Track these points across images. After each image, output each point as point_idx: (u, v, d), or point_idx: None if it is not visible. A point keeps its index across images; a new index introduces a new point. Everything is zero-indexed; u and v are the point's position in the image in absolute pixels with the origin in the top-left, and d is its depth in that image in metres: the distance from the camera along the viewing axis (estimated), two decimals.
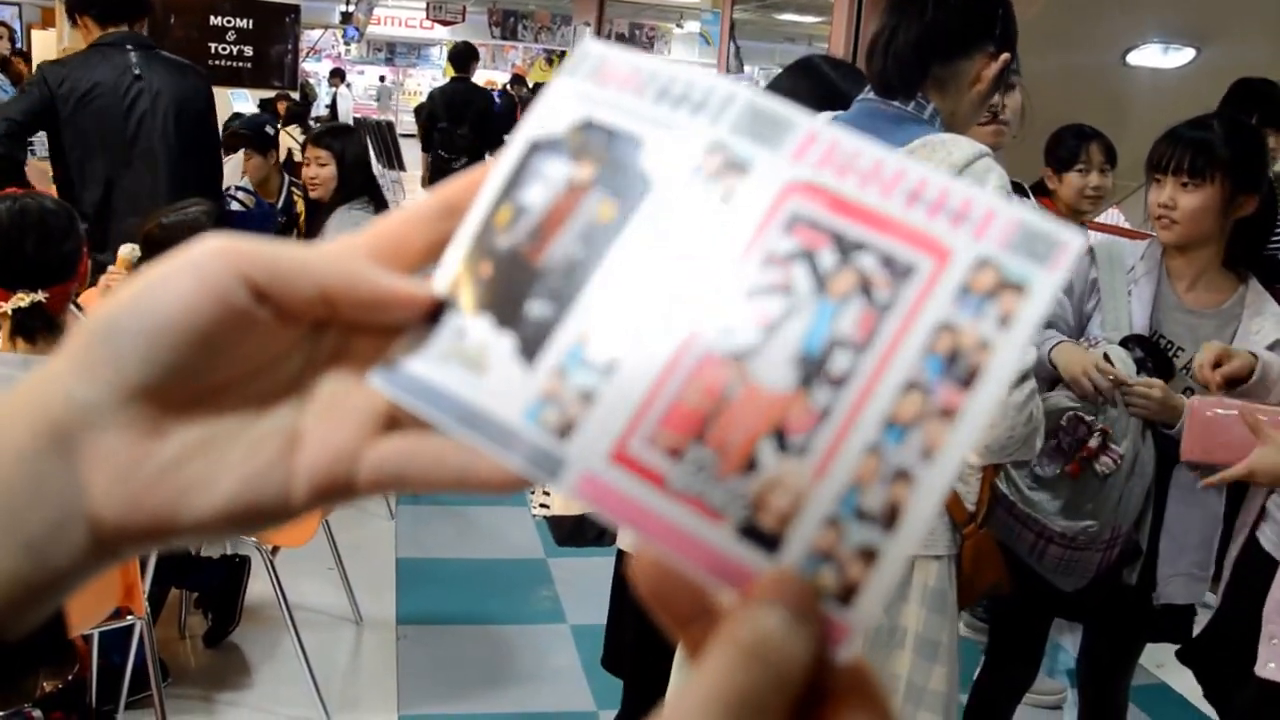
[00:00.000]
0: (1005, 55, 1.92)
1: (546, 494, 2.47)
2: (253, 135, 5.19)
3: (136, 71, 3.95)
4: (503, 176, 0.42)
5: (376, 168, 15.33)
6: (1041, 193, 3.67)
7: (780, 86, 2.53)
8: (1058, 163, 3.60)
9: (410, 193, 15.10)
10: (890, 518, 0.34)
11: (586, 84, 0.43)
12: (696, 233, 0.39)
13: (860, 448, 0.34)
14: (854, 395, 0.35)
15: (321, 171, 4.04)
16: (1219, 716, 2.69)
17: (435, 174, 9.34)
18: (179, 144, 4.05)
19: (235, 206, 5.01)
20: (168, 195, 3.85)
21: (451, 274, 0.41)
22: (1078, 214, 3.62)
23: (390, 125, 15.00)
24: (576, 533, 2.49)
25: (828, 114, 1.97)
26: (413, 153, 15.72)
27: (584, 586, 4.09)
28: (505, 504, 2.87)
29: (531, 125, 0.43)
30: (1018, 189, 2.39)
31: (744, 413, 0.36)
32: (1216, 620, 2.41)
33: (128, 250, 3.31)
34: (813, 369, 0.36)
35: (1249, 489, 2.36)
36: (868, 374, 0.35)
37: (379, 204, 4.09)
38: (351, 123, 16.30)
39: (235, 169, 5.40)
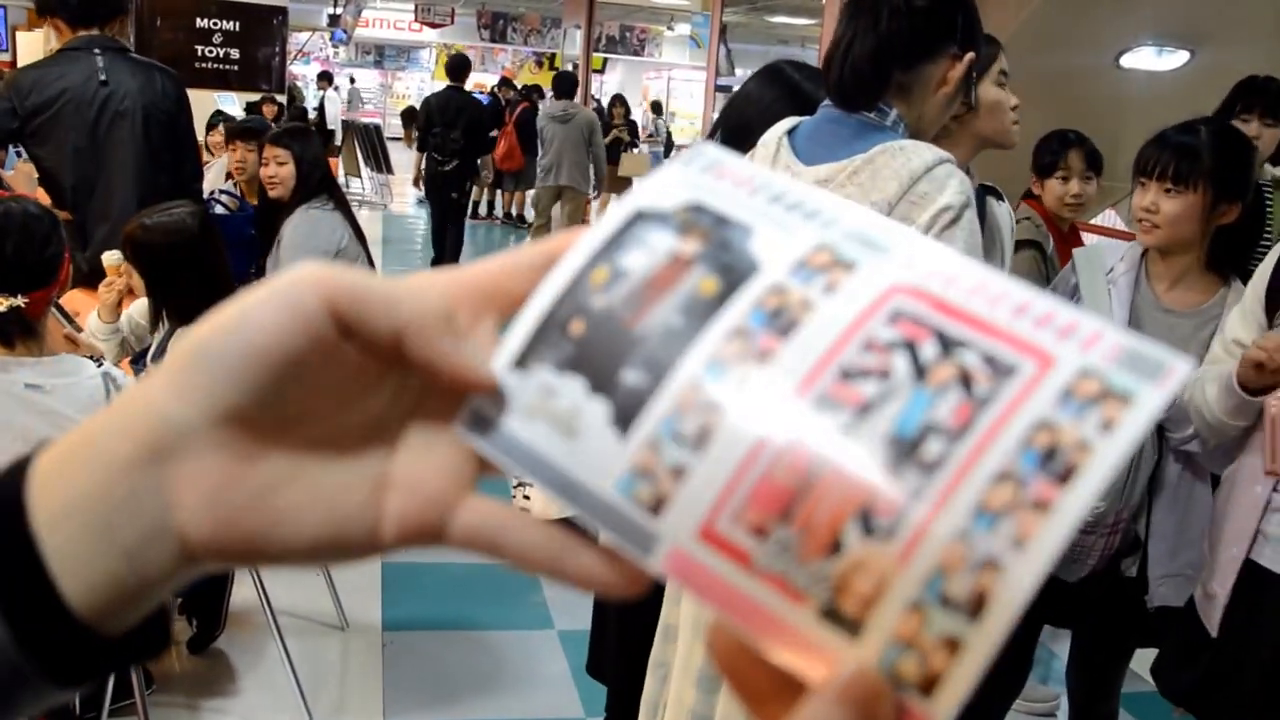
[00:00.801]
0: (970, 55, 1.88)
1: (526, 497, 2.44)
2: (257, 129, 5.17)
3: (103, 77, 3.93)
4: (603, 238, 0.42)
5: (365, 171, 15.40)
6: (1031, 193, 3.66)
7: (748, 93, 2.51)
8: (1040, 169, 3.58)
9: (398, 195, 15.08)
10: (976, 606, 0.32)
11: (701, 175, 0.43)
12: (797, 315, 0.38)
13: (948, 533, 0.33)
14: (945, 481, 0.34)
15: (280, 170, 4.04)
16: None
17: (428, 174, 9.74)
18: (149, 146, 4.03)
19: (219, 210, 4.98)
20: (140, 199, 3.84)
21: (534, 325, 0.41)
22: (1060, 220, 3.61)
23: (378, 128, 14.98)
24: None
25: (791, 120, 1.94)
26: (399, 155, 15.73)
27: (572, 592, 4.04)
28: None
29: (640, 197, 0.43)
30: (990, 191, 2.35)
31: (831, 493, 0.35)
32: (1218, 659, 2.31)
33: (113, 258, 3.27)
34: (904, 452, 0.35)
35: (1225, 507, 2.31)
36: (960, 461, 0.34)
37: (339, 203, 4.06)
38: (340, 126, 16.32)
39: (219, 174, 5.37)
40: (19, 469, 0.40)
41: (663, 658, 1.96)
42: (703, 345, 0.39)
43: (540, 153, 10.25)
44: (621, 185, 12.11)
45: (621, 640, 2.35)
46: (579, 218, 10.25)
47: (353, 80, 24.57)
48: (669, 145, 17.48)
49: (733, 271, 0.40)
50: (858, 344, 0.37)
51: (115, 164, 3.99)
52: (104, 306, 3.30)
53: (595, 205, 11.14)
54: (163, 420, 0.38)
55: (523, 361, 0.40)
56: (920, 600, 0.33)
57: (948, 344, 0.36)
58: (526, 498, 2.47)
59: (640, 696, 2.02)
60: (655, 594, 1.98)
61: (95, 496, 0.38)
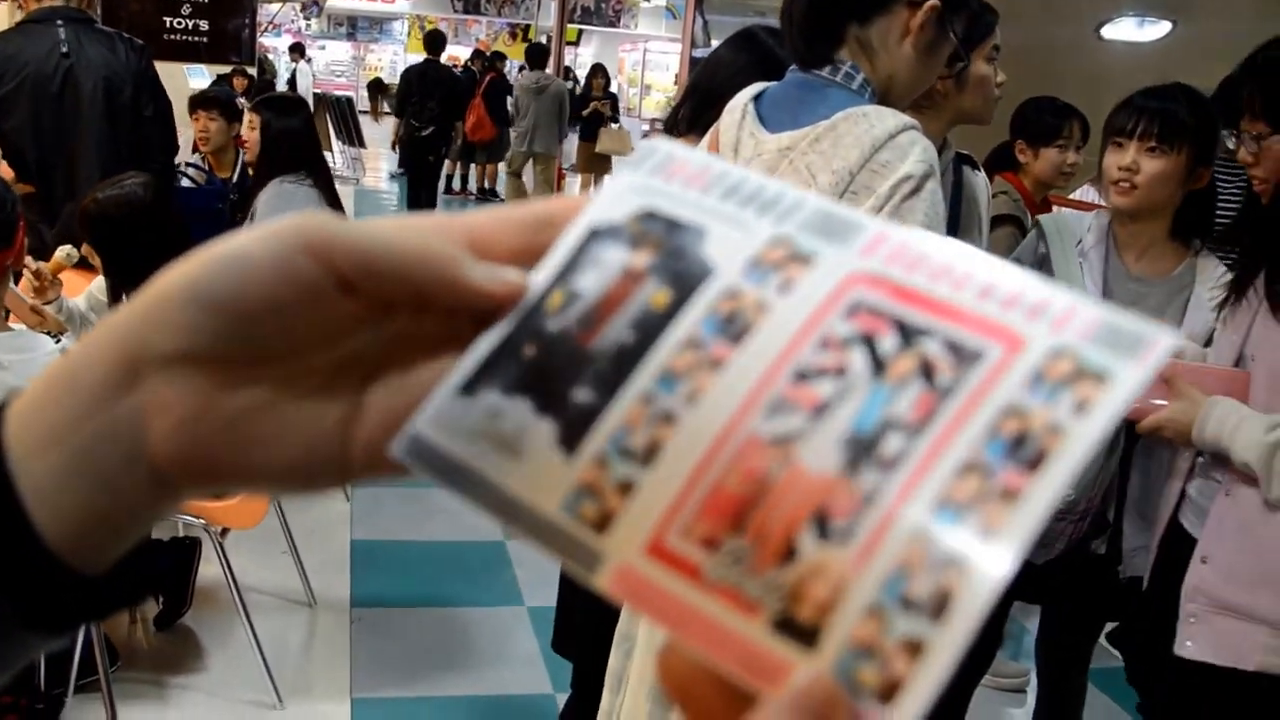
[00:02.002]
0: (931, 3, 1.79)
1: None
2: (221, 99, 5.11)
3: (64, 49, 3.87)
4: (559, 263, 0.41)
5: (337, 144, 15.32)
6: (1005, 165, 3.60)
7: (719, 57, 2.46)
8: (1034, 136, 3.50)
9: (371, 170, 14.98)
10: (939, 607, 0.31)
11: (651, 178, 0.42)
12: (751, 319, 0.37)
13: (909, 531, 0.32)
14: (905, 477, 0.33)
15: (252, 135, 4.02)
16: (1140, 697, 2.68)
17: (406, 138, 10.79)
18: (112, 119, 3.99)
19: (186, 182, 4.92)
20: (105, 171, 3.76)
21: (486, 353, 0.40)
22: (1046, 188, 3.57)
23: (350, 101, 14.87)
24: None
25: (758, 85, 1.90)
26: (371, 130, 15.63)
27: (543, 569, 4.04)
28: None
29: (592, 212, 0.42)
30: (966, 161, 2.32)
31: (785, 498, 0.34)
32: (1142, 603, 2.40)
33: (63, 254, 3.19)
34: (861, 451, 0.34)
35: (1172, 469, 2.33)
36: (921, 455, 0.33)
37: (319, 179, 3.99)
38: (311, 98, 16.18)
39: (188, 145, 5.30)
40: None
41: (628, 630, 1.94)
42: (653, 359, 0.38)
43: (515, 120, 11.07)
44: (599, 164, 12.05)
45: (588, 616, 2.33)
46: (550, 175, 11.23)
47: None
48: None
49: (685, 280, 0.39)
50: (813, 343, 0.36)
51: (78, 137, 3.94)
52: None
53: (574, 181, 11.69)
54: (142, 348, 0.38)
55: (470, 388, 0.39)
56: (879, 603, 0.31)
57: (908, 334, 0.35)
58: None
59: (605, 671, 2.00)
60: None
61: (72, 427, 0.38)
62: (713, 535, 0.34)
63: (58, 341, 2.41)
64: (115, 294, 3.05)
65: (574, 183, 12.76)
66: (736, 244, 0.39)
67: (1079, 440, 0.32)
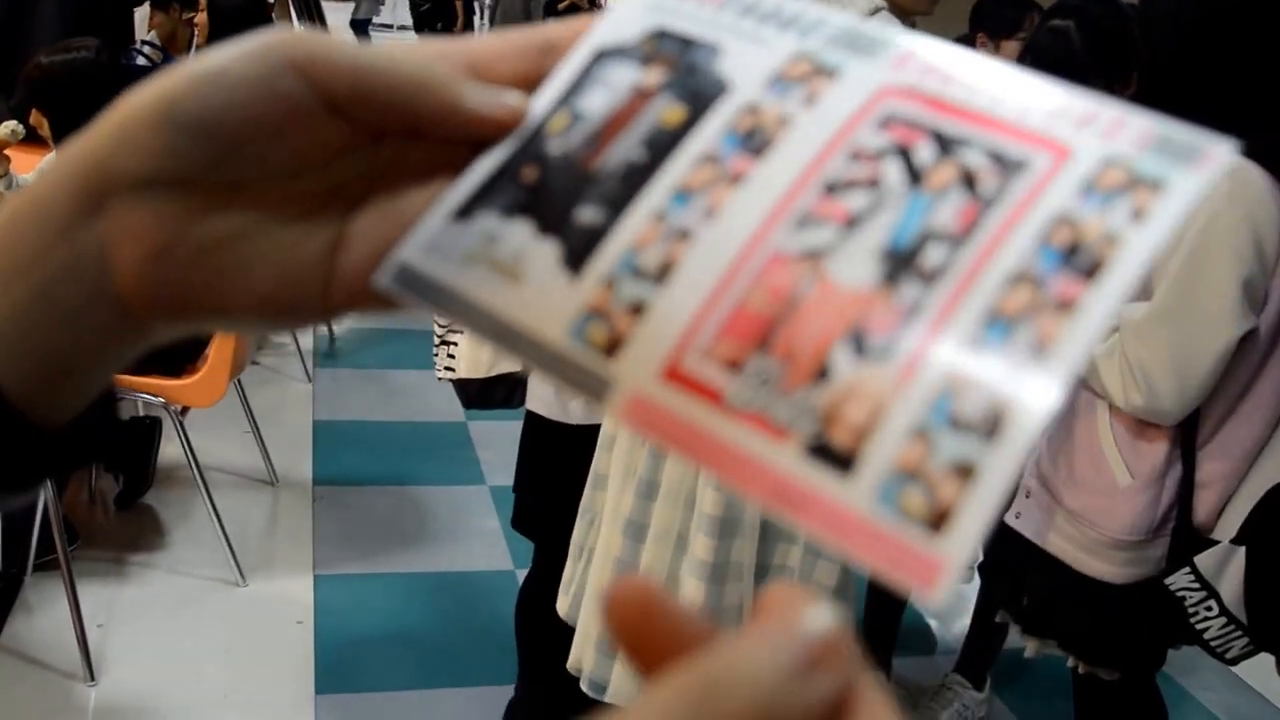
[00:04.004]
0: None
1: (451, 356, 2.41)
2: None
3: None
4: (563, 84, 0.38)
5: (298, 25, 15.09)
6: None
7: None
8: (995, 29, 3.47)
9: None
10: (992, 426, 0.28)
11: None
12: (773, 133, 0.35)
13: (957, 345, 0.29)
14: (949, 290, 0.30)
15: (199, 16, 3.99)
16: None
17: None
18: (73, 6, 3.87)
19: (140, 61, 4.80)
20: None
21: (483, 176, 0.37)
22: None
23: None
24: (484, 395, 2.44)
25: None
26: (336, 15, 15.26)
27: (504, 448, 4.04)
28: (425, 367, 2.81)
29: (600, 33, 0.39)
30: None
31: (816, 315, 0.31)
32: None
33: (7, 130, 3.10)
34: (900, 264, 0.31)
35: None
36: (967, 266, 0.30)
37: None
38: None
39: (142, 22, 5.15)
40: None
41: (591, 505, 1.95)
42: (667, 175, 0.35)
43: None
44: None
45: (549, 495, 2.34)
46: None
47: None
48: None
49: (700, 96, 0.36)
50: (843, 155, 0.34)
51: (34, 8, 3.83)
52: None
53: None
54: (108, 172, 0.36)
55: (465, 213, 0.37)
56: (925, 424, 0.29)
57: (946, 144, 0.33)
58: (451, 356, 2.43)
59: (566, 548, 2.02)
60: (584, 446, 1.97)
61: (36, 260, 0.36)
62: (736, 356, 0.31)
63: None
64: None
65: None
66: (756, 60, 0.37)
67: (1138, 248, 0.29)
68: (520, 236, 0.36)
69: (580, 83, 0.38)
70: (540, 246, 0.35)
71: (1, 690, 2.69)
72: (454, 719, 2.84)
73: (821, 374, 0.30)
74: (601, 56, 0.39)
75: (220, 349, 3.03)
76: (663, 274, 0.33)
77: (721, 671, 0.24)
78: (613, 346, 0.33)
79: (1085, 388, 1.99)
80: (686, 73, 0.37)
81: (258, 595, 3.17)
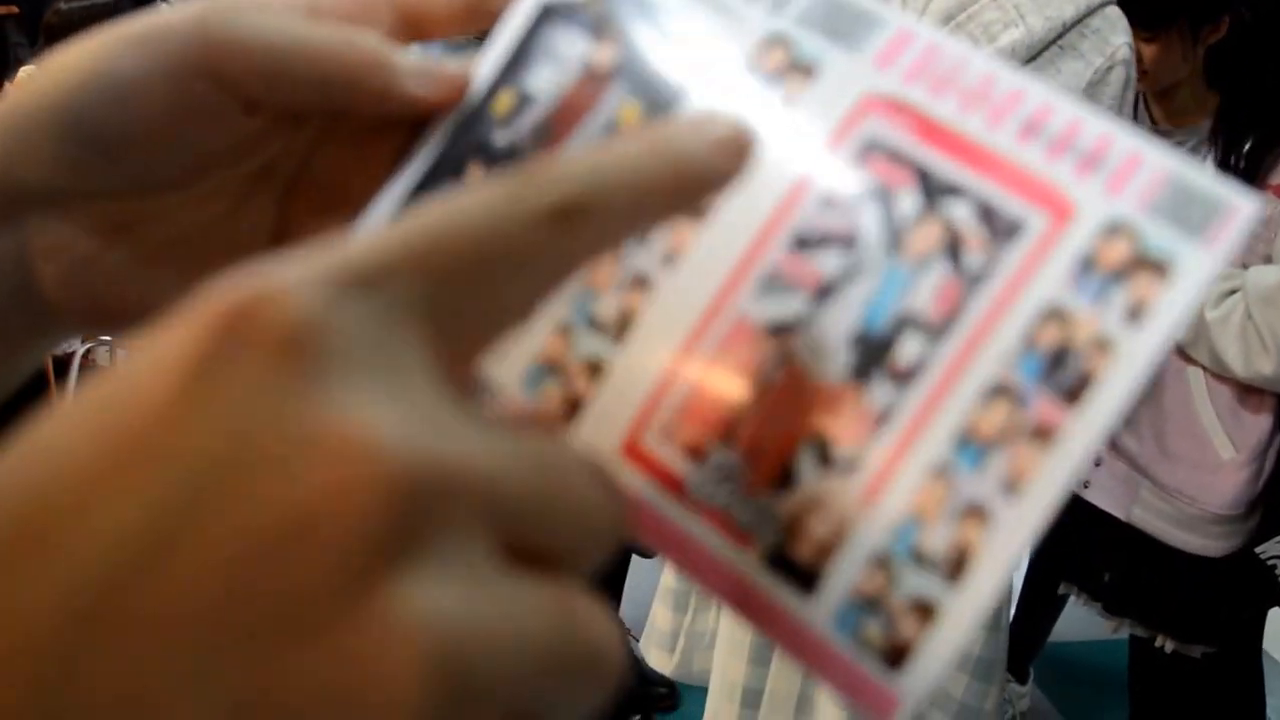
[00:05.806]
0: None
1: None
2: None
3: None
4: (505, 49, 0.35)
5: None
6: None
7: None
8: None
9: None
10: (956, 566, 0.27)
11: None
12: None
13: (925, 468, 0.28)
14: (923, 397, 0.28)
15: None
16: None
17: None
18: None
19: (165, 9, 4.78)
20: None
21: (420, 172, 0.34)
22: None
23: None
24: None
25: None
26: None
27: None
28: None
29: None
30: None
31: (782, 408, 0.29)
32: None
33: (25, 75, 3.05)
34: (872, 355, 0.29)
35: None
36: (943, 368, 0.28)
37: None
38: None
39: None
40: None
41: None
42: None
43: None
44: None
45: None
46: None
47: None
48: None
49: (658, 94, 0.33)
50: (817, 198, 0.30)
51: None
52: None
53: None
54: (14, 184, 0.33)
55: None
56: (887, 553, 0.27)
57: (933, 191, 0.30)
58: None
59: None
60: None
61: None
62: (698, 443, 0.30)
63: None
64: None
65: None
66: (723, 41, 0.33)
67: (1129, 362, 0.27)
68: None
69: (525, 48, 0.35)
70: None
71: None
72: None
73: (785, 479, 0.29)
74: (547, 14, 0.35)
75: None
76: (621, 330, 0.31)
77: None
78: (571, 409, 0.31)
79: (1179, 355, 1.87)
80: (644, 55, 0.33)
81: None
